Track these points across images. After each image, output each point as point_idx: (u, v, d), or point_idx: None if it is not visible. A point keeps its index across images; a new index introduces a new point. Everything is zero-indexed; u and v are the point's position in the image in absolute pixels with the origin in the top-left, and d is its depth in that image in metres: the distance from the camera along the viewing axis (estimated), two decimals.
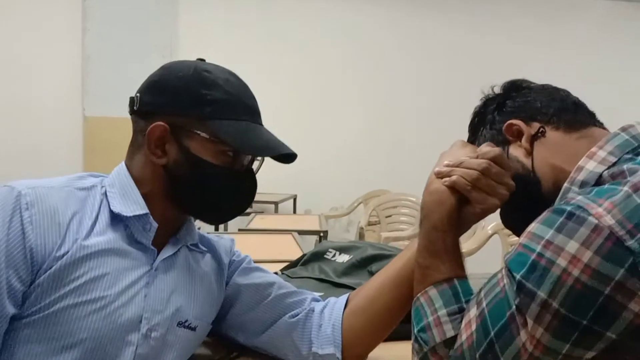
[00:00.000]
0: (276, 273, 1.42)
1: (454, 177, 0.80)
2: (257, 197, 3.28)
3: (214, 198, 0.86)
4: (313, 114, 5.01)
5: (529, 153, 0.81)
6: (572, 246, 0.62)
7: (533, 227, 0.67)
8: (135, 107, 0.86)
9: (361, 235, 3.74)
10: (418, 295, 0.78)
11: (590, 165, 0.73)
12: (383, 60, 5.09)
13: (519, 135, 0.83)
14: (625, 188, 0.64)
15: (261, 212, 3.75)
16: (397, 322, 0.94)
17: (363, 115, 5.08)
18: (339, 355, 0.92)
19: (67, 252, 0.77)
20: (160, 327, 0.84)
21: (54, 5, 4.47)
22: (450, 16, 5.17)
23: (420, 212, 0.84)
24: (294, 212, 4.68)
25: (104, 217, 0.82)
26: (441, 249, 0.78)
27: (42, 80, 4.48)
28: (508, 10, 5.25)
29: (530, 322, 0.63)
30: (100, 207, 0.83)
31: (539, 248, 0.64)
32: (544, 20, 5.26)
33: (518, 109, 0.85)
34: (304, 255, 1.49)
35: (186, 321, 0.87)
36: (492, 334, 0.66)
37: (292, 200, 4.70)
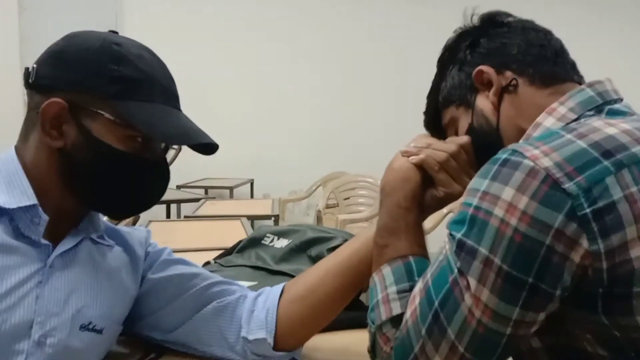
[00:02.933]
0: (208, 262, 1.37)
1: (422, 155, 0.77)
2: (210, 183, 3.60)
3: (117, 189, 0.78)
4: (270, 95, 4.95)
5: (496, 108, 0.76)
6: (507, 193, 0.58)
7: (471, 182, 0.64)
8: (30, 80, 0.76)
9: (319, 219, 3.78)
10: (373, 274, 0.75)
11: (548, 122, 0.70)
12: (343, 40, 5.04)
13: (488, 84, 0.77)
14: (569, 135, 0.62)
15: (213, 198, 3.71)
16: (337, 312, 0.90)
17: (321, 96, 5.04)
18: (270, 341, 0.86)
19: None
20: (57, 332, 0.74)
21: None
22: None
23: (380, 193, 0.80)
24: (252, 197, 4.63)
25: None
26: (402, 226, 0.75)
27: None
28: None
29: (473, 282, 0.60)
30: None
31: (475, 201, 0.61)
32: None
33: (491, 52, 0.77)
34: (240, 242, 1.43)
35: (90, 323, 0.78)
36: (436, 303, 0.63)
37: (249, 185, 4.67)
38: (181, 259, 0.96)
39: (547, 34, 0.78)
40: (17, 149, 0.78)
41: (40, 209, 0.74)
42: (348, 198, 4.15)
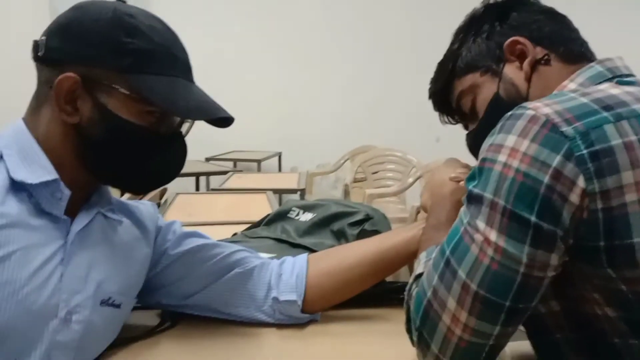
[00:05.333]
0: (235, 234, 1.42)
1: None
2: (238, 155, 3.64)
3: (135, 163, 0.78)
4: (298, 70, 4.96)
5: (527, 79, 0.78)
6: (510, 140, 0.62)
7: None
8: (39, 53, 0.74)
9: (347, 193, 3.71)
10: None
11: None
12: (366, 14, 5.02)
13: (520, 56, 0.79)
14: (573, 94, 0.65)
15: (240, 171, 3.72)
16: (365, 288, 0.97)
17: (349, 70, 5.01)
18: (300, 304, 0.92)
19: None
20: (81, 309, 0.74)
21: None
22: None
23: (424, 210, 0.88)
24: (279, 170, 4.65)
25: (2, 186, 0.70)
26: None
27: (9, 37, 4.33)
28: None
29: (482, 225, 0.63)
30: None
31: (482, 155, 0.65)
32: None
33: (523, 26, 0.80)
34: (267, 215, 1.46)
35: (109, 299, 0.79)
36: (448, 251, 0.66)
37: (277, 158, 4.70)
38: (196, 231, 0.98)
39: (567, 19, 0.82)
40: (27, 122, 0.76)
41: (62, 183, 0.73)
42: (376, 172, 4.07)
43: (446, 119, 0.91)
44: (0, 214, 0.68)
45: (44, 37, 0.75)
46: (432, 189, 0.89)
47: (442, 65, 0.87)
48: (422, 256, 0.77)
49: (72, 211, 0.76)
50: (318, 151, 4.80)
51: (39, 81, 0.77)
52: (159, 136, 0.77)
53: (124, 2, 0.79)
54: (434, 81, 0.89)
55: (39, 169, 0.73)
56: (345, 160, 4.44)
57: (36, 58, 0.76)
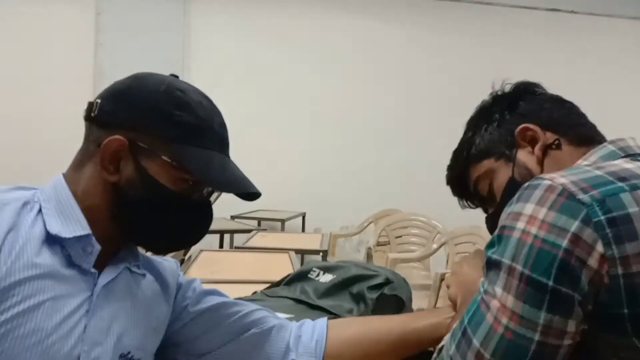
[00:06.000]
0: (255, 292, 1.43)
1: None
2: (263, 215, 3.64)
3: (164, 226, 0.81)
4: (324, 131, 5.04)
5: (539, 163, 0.81)
6: (528, 208, 0.63)
7: None
8: (92, 114, 0.80)
9: (369, 256, 3.64)
10: None
11: None
12: (395, 77, 5.11)
13: (531, 141, 0.82)
14: (587, 167, 0.68)
15: (264, 230, 3.73)
16: None
17: (375, 131, 5.08)
18: None
19: None
20: None
21: (68, 20, 4.57)
22: (463, 30, 5.17)
23: (450, 301, 0.88)
24: (303, 230, 4.66)
25: (39, 237, 0.74)
26: None
27: (54, 93, 4.56)
28: (529, 27, 5.22)
29: (499, 291, 0.63)
30: (34, 226, 0.75)
31: (501, 222, 0.67)
32: (562, 37, 5.22)
33: (532, 114, 0.84)
34: (288, 274, 1.48)
35: (129, 353, 0.81)
36: (466, 321, 0.67)
37: (301, 218, 4.70)
38: (215, 289, 0.99)
39: (574, 105, 0.87)
40: (66, 177, 0.81)
41: (93, 238, 0.77)
42: (400, 236, 4.04)
43: (466, 204, 0.92)
44: (35, 264, 0.71)
45: (99, 100, 0.81)
46: (461, 284, 0.87)
47: (457, 153, 0.90)
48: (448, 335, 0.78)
49: (100, 264, 0.79)
50: (342, 213, 4.78)
51: (87, 139, 0.82)
52: (190, 203, 0.81)
53: (177, 77, 0.86)
54: (451, 168, 0.92)
55: (73, 223, 0.76)
56: (369, 223, 4.41)
57: (88, 117, 0.81)
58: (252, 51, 4.93)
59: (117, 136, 0.77)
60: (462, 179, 0.90)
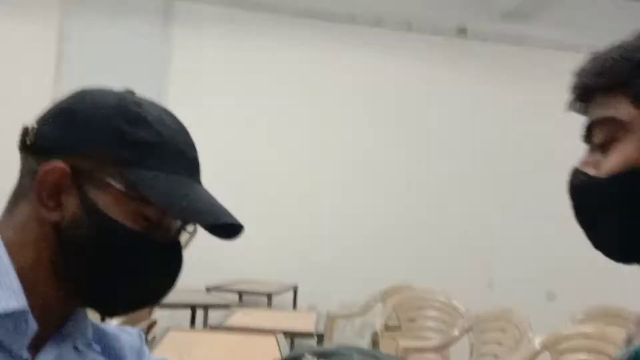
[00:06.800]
0: None
1: None
2: (246, 286, 3.24)
3: (120, 275, 0.74)
4: (325, 182, 4.92)
5: None
6: None
7: None
8: (28, 141, 0.74)
9: (375, 343, 3.54)
10: None
11: None
12: (407, 131, 5.08)
13: None
14: None
15: (247, 306, 3.79)
16: None
17: (385, 191, 4.97)
18: None
19: None
20: None
21: (28, 44, 4.54)
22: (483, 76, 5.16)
23: None
24: (294, 307, 4.52)
25: None
26: None
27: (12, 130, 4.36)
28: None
29: None
30: None
31: None
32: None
33: None
34: None
35: None
36: None
37: (292, 293, 4.56)
38: None
39: None
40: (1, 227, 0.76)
41: (30, 315, 0.71)
42: (413, 319, 3.86)
43: (578, 107, 0.77)
44: None
45: (35, 125, 0.76)
46: None
47: (622, 60, 0.71)
48: None
49: (36, 341, 0.74)
50: (342, 287, 4.64)
51: (21, 174, 0.77)
52: (153, 243, 0.75)
53: (133, 92, 0.81)
54: (598, 74, 0.73)
55: (4, 291, 0.70)
56: (376, 302, 4.22)
57: (23, 147, 0.76)
58: (238, 95, 4.89)
59: (56, 163, 0.72)
60: (596, 95, 0.74)
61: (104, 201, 0.72)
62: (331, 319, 4.04)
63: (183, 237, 0.80)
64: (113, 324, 0.90)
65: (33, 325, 0.71)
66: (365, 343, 4.24)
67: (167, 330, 2.39)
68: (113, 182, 0.72)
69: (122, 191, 0.72)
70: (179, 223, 0.78)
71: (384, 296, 4.21)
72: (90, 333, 0.81)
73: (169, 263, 0.78)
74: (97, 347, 0.83)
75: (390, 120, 5.10)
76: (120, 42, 4.35)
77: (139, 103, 0.77)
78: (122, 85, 0.83)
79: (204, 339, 2.49)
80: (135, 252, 0.74)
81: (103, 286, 0.75)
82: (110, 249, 0.73)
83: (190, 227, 0.79)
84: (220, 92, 4.85)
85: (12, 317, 0.70)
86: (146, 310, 2.38)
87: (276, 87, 4.93)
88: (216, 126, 4.70)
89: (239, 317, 3.02)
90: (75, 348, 0.78)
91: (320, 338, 2.83)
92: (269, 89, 4.91)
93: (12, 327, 0.70)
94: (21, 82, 4.45)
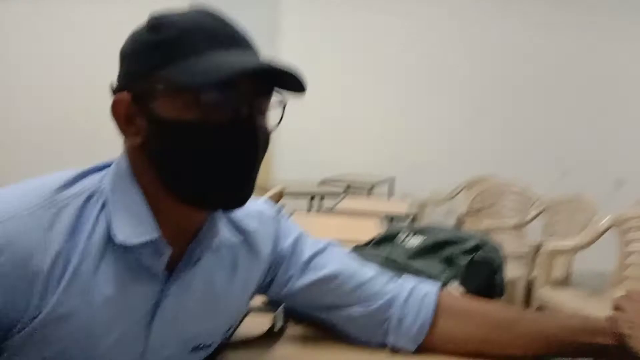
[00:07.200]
0: None
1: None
2: (352, 179, 3.73)
3: (208, 166, 0.69)
4: (418, 87, 4.94)
5: None
6: None
7: None
8: (113, 90, 0.73)
9: (460, 223, 3.66)
10: None
11: None
12: (490, 37, 4.95)
13: None
14: None
15: (352, 194, 3.79)
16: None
17: (471, 95, 4.96)
18: (414, 349, 0.94)
19: (46, 309, 0.65)
20: (172, 358, 0.78)
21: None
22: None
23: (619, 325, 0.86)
24: (391, 195, 4.60)
25: (99, 248, 0.69)
26: None
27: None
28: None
29: None
30: (94, 230, 0.69)
31: None
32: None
33: None
34: (376, 236, 1.51)
35: (200, 344, 0.81)
36: None
37: (390, 183, 4.64)
38: (327, 246, 0.97)
39: None
40: (128, 157, 0.74)
41: (164, 241, 0.71)
42: (494, 205, 3.93)
43: None
44: (90, 288, 0.68)
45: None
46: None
47: None
48: None
49: (174, 259, 0.75)
50: (433, 177, 4.69)
51: None
52: (218, 125, 0.68)
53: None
54: None
55: (141, 224, 0.70)
56: (461, 190, 4.33)
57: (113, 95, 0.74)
58: (343, 18, 4.89)
59: (118, 95, 0.71)
60: None
61: (160, 108, 0.68)
62: (422, 204, 4.05)
63: (263, 116, 0.72)
64: (253, 208, 0.89)
65: (168, 250, 0.72)
66: (451, 223, 4.20)
67: (292, 213, 2.40)
68: (159, 87, 0.68)
69: (166, 91, 0.67)
70: (244, 103, 0.69)
71: (468, 185, 4.29)
72: (219, 233, 0.79)
73: (240, 140, 0.70)
74: (234, 239, 0.84)
75: (476, 34, 4.95)
76: None
77: (162, 15, 0.71)
78: None
79: (319, 221, 2.56)
80: (205, 139, 0.68)
81: (195, 181, 0.70)
82: (182, 146, 0.68)
83: (258, 100, 0.71)
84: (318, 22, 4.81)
85: (150, 245, 0.71)
86: (275, 198, 2.41)
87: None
88: (323, 41, 4.76)
89: (346, 203, 3.13)
90: (206, 251, 0.77)
91: (414, 219, 2.90)
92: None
93: (151, 253, 0.71)
94: None
